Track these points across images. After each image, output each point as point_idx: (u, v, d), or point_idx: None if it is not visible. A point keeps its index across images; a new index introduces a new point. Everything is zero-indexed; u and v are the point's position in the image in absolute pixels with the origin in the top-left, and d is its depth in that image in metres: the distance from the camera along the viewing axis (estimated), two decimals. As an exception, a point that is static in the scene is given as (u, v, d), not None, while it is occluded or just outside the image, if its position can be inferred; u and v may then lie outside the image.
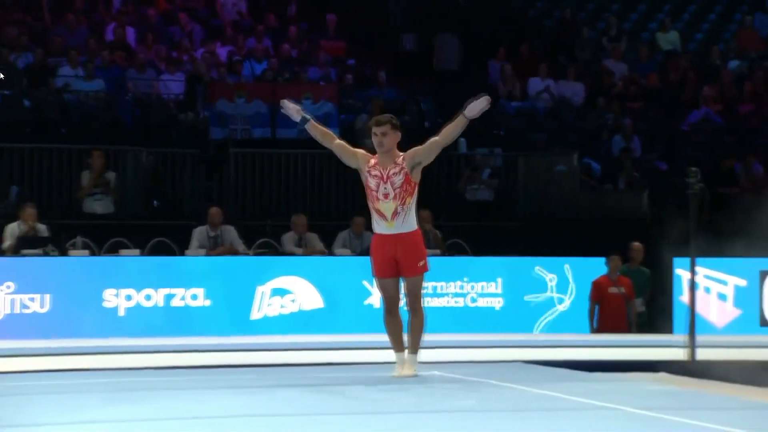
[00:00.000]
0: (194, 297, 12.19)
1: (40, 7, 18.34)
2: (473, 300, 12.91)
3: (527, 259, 13.28)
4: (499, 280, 12.98)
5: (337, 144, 7.80)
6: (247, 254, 13.22)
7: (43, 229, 12.78)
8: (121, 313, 11.94)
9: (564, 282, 13.15)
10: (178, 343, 10.89)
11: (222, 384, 8.20)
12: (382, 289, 7.88)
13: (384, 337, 10.79)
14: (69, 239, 12.95)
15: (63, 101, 16.35)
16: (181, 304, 12.13)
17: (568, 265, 13.22)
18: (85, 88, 16.47)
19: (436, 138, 7.71)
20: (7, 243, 12.52)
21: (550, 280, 13.09)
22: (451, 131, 7.77)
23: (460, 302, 12.87)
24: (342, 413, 6.70)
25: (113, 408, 6.65)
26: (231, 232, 13.33)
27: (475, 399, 7.29)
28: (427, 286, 12.82)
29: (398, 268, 7.75)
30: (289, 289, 12.44)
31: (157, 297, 12.08)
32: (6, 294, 11.63)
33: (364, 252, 13.66)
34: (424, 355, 10.42)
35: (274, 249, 13.62)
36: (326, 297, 12.50)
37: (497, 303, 12.94)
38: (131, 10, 18.81)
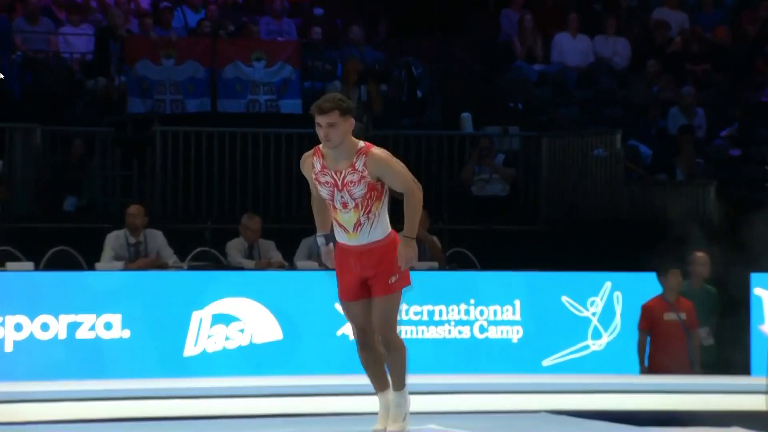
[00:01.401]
0: (108, 326, 12.15)
1: None
2: (483, 329, 12.93)
3: (554, 275, 13.30)
4: (517, 302, 13.00)
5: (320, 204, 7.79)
6: (179, 268, 13.19)
7: None
8: (8, 348, 11.85)
9: (605, 307, 13.18)
10: (85, 387, 10.85)
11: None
12: (349, 315, 7.90)
13: (362, 380, 10.78)
14: (-65, 248, 12.96)
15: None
16: (90, 335, 12.07)
17: (610, 283, 13.25)
18: (-44, 44, 16.57)
19: (413, 183, 7.64)
20: None
21: (590, 305, 13.12)
22: (416, 207, 7.66)
23: (466, 332, 12.88)
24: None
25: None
26: (157, 239, 13.34)
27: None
28: (422, 310, 12.90)
29: (367, 287, 7.76)
30: (237, 315, 12.42)
31: (57, 326, 12.00)
32: None
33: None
34: (416, 402, 10.46)
35: (216, 261, 13.61)
36: (285, 326, 12.49)
37: (515, 333, 12.97)
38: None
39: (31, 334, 11.89)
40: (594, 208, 16.32)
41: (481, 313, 12.94)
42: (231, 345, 12.42)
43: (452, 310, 12.92)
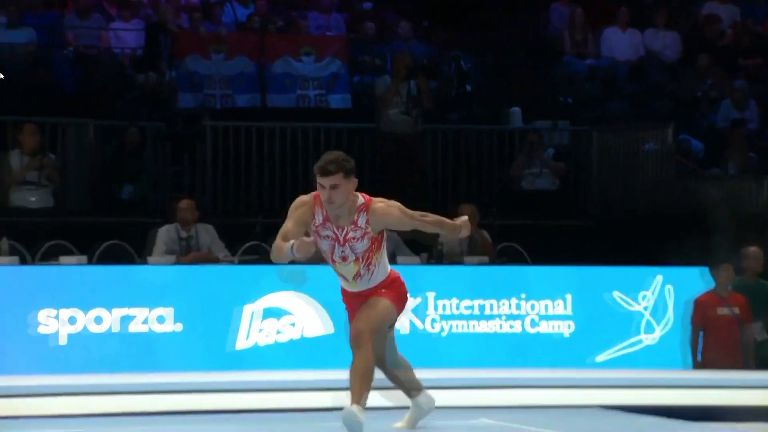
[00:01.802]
0: (160, 319, 12.22)
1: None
2: (534, 323, 12.93)
3: (607, 269, 13.28)
4: (568, 297, 12.99)
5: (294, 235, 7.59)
6: (230, 262, 13.26)
7: (-45, 228, 12.93)
8: (62, 341, 11.92)
9: (657, 301, 13.16)
10: (137, 381, 10.90)
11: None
12: None
13: (421, 374, 10.82)
14: (-11, 243, 13.06)
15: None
16: (143, 329, 12.13)
17: (661, 277, 13.22)
18: (9, 39, 16.58)
19: (419, 217, 7.79)
20: None
21: (641, 299, 13.10)
22: (435, 224, 7.94)
23: (517, 327, 12.88)
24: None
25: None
26: (208, 233, 13.41)
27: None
28: (473, 304, 12.91)
29: None
30: (288, 309, 12.46)
31: (110, 320, 12.07)
32: None
33: (389, 258, 13.72)
34: (468, 396, 10.49)
35: (266, 255, 13.66)
36: (336, 320, 12.52)
37: (566, 328, 12.96)
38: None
39: (85, 327, 11.97)
40: (645, 202, 16.28)
41: (532, 307, 12.93)
42: (282, 339, 12.47)
43: (503, 304, 12.91)
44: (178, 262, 13.04)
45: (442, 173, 16.53)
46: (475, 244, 13.98)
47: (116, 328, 12.08)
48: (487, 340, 12.76)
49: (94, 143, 15.57)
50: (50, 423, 9.33)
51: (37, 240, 13.56)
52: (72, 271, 12.31)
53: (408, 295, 8.05)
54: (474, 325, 12.81)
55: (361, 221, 7.54)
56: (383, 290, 7.76)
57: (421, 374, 11.67)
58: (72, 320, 12.01)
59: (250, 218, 14.86)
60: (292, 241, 7.42)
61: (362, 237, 7.56)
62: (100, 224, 14.52)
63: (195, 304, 12.31)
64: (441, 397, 10.29)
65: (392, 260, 13.48)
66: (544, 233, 15.42)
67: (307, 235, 7.68)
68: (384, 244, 7.67)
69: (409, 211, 7.72)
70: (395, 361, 8.21)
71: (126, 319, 12.13)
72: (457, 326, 12.74)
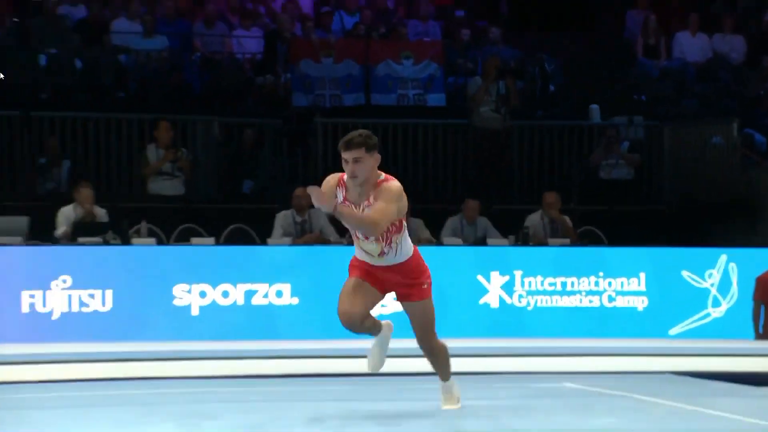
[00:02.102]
0: (279, 294, 12.42)
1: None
2: (611, 299, 12.95)
3: (677, 250, 13.29)
4: (642, 275, 12.99)
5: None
6: (339, 243, 13.37)
7: (102, 213, 13.14)
8: (195, 312, 12.21)
9: (723, 278, 13.11)
10: (259, 347, 11.11)
11: (310, 396, 8.46)
12: (350, 294, 7.22)
13: (506, 342, 10.93)
14: (132, 225, 13.27)
15: (119, 62, 16.69)
16: (264, 302, 12.36)
17: (725, 256, 13.16)
18: (145, 46, 16.83)
19: (380, 210, 6.93)
20: (62, 229, 12.87)
21: (707, 276, 13.06)
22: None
23: (596, 302, 12.92)
24: None
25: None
26: (320, 218, 13.54)
27: (615, 416, 7.40)
28: (555, 281, 12.96)
29: (391, 291, 7.31)
30: (386, 282, 12.58)
31: (235, 294, 12.32)
32: (62, 289, 11.99)
33: (478, 241, 13.84)
34: (552, 363, 10.55)
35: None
36: (434, 294, 12.60)
37: (640, 303, 12.97)
38: (198, -47, 19.13)
39: (214, 301, 12.20)
40: (711, 190, 16.18)
41: (609, 284, 12.95)
42: (386, 311, 12.57)
43: (583, 281, 12.95)
44: (294, 243, 13.22)
45: (528, 164, 16.52)
46: (558, 227, 14.03)
47: (241, 302, 12.29)
48: (568, 313, 12.83)
49: (220, 138, 15.79)
50: (189, 383, 9.52)
51: (171, 224, 13.77)
52: (202, 251, 12.55)
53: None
54: (557, 300, 12.86)
55: (372, 198, 7.00)
56: (425, 285, 7.34)
57: (510, 343, 11.85)
58: (202, 294, 12.24)
59: (357, 204, 14.96)
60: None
61: None
62: (225, 210, 14.71)
63: (309, 280, 12.47)
64: (529, 364, 10.45)
65: (482, 243, 13.66)
66: (620, 218, 15.39)
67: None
68: (404, 230, 7.10)
69: (391, 207, 6.96)
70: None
71: (249, 294, 12.34)
72: (542, 301, 12.79)
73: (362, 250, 7.17)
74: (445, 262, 12.83)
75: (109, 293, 12.07)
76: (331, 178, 7.10)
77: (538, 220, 14.06)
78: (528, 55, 18.47)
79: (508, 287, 12.79)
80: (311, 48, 17.06)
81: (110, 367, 10.13)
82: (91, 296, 12.03)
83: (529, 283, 12.84)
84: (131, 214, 13.45)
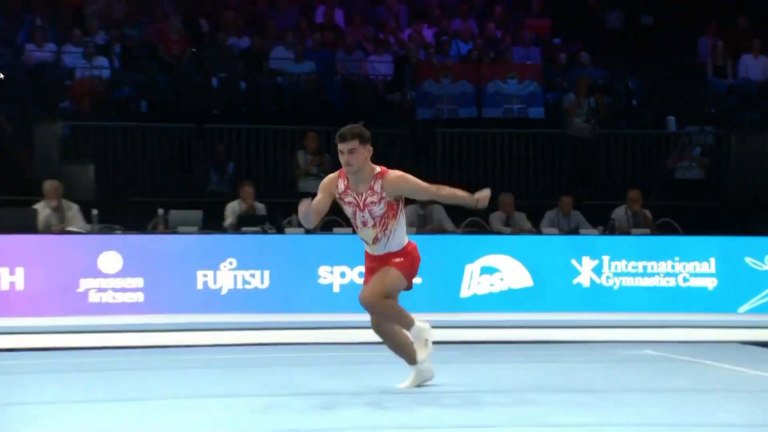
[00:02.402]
0: (403, 274, 12.41)
1: (255, -8, 19.01)
2: (685, 280, 12.74)
3: (741, 238, 13.01)
4: (712, 260, 12.75)
5: (318, 208, 6.72)
6: (455, 233, 13.35)
7: (261, 207, 13.33)
8: (336, 289, 12.28)
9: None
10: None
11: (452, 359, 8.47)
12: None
13: (596, 316, 10.82)
14: (285, 217, 13.38)
15: (276, 83, 16.90)
16: (416, 281, 12.39)
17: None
18: (296, 70, 16.97)
19: (431, 187, 6.78)
20: (229, 221, 13.13)
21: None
22: (449, 196, 6.86)
23: (672, 282, 12.72)
24: (553, 391, 6.81)
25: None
26: (440, 211, 13.52)
27: (686, 378, 7.29)
28: (638, 265, 12.74)
29: None
30: (498, 267, 12.56)
31: (369, 274, 12.35)
32: (229, 270, 12.18)
33: (572, 231, 13.69)
34: (634, 334, 10.42)
35: (482, 228, 13.77)
36: (535, 275, 12.56)
37: (710, 283, 12.73)
38: (340, -8, 19.28)
39: (352, 280, 12.27)
40: (771, 189, 15.88)
41: (684, 267, 12.75)
42: (494, 290, 12.56)
43: (661, 265, 12.77)
44: (417, 233, 13.23)
45: (614, 166, 16.36)
46: (639, 219, 13.83)
47: (374, 280, 12.33)
48: (649, 292, 12.65)
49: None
50: (334, 347, 9.61)
51: (318, 217, 13.88)
52: (342, 239, 12.58)
53: (419, 263, 7.01)
54: (639, 281, 12.69)
55: (377, 186, 6.63)
56: (397, 259, 6.82)
57: (599, 317, 11.73)
58: (342, 274, 12.33)
59: (470, 201, 14.91)
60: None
61: (379, 201, 6.65)
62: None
63: (430, 263, 12.40)
64: (615, 334, 10.34)
65: (575, 232, 13.51)
66: (692, 212, 15.12)
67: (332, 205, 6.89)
68: (401, 214, 6.76)
69: (423, 183, 6.73)
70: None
71: (381, 274, 12.36)
72: (626, 281, 12.63)
73: (363, 240, 6.86)
74: (544, 249, 12.81)
75: (266, 273, 12.21)
76: (330, 177, 6.82)
77: (623, 213, 13.87)
78: (614, 75, 18.27)
79: (597, 270, 12.65)
80: (433, 70, 17.11)
81: (266, 335, 10.28)
82: (252, 276, 12.19)
83: (615, 266, 12.69)
84: (285, 208, 13.53)
